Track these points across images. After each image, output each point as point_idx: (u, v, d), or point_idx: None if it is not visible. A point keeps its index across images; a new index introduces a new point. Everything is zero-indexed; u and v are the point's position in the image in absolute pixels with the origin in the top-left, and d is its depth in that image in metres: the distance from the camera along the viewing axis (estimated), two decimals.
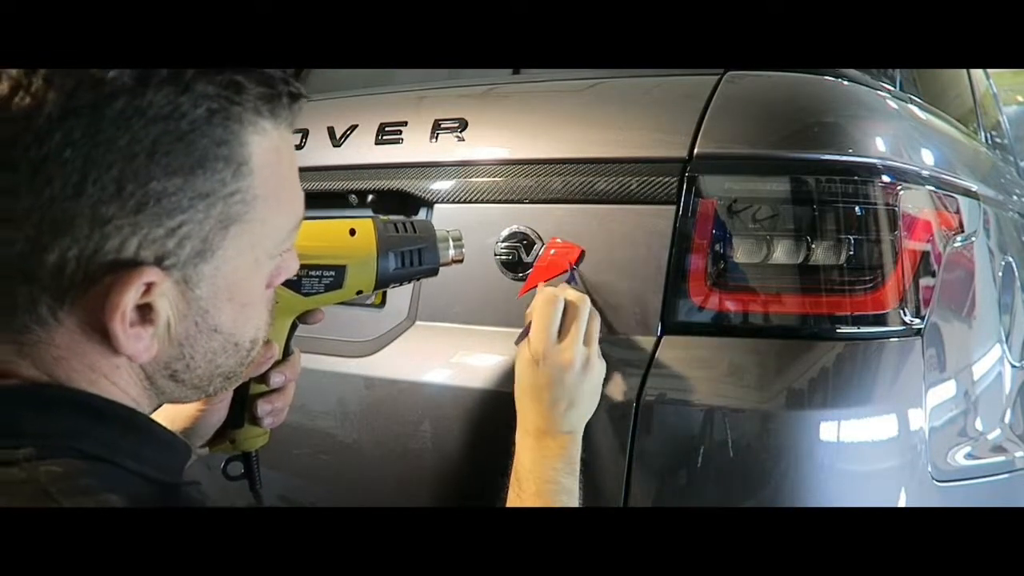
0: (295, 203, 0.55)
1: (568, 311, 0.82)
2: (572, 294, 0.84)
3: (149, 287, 0.46)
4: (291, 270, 0.60)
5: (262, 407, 0.77)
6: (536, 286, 0.89)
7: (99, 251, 0.44)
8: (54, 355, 0.47)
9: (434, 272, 0.84)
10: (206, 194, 0.46)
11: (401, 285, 0.84)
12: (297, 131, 1.15)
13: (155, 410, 0.56)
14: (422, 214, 1.05)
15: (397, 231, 0.81)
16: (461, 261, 0.86)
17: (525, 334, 0.83)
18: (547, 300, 0.82)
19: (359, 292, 0.79)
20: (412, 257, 0.81)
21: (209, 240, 0.48)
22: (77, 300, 0.46)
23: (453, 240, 0.84)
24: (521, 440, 0.80)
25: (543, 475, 0.77)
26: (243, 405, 0.78)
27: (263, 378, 0.78)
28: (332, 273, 0.78)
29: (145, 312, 0.47)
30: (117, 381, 0.50)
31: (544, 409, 0.79)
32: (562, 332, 0.81)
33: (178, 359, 0.52)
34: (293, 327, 0.79)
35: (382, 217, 0.82)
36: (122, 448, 0.49)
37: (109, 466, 0.47)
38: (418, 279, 0.85)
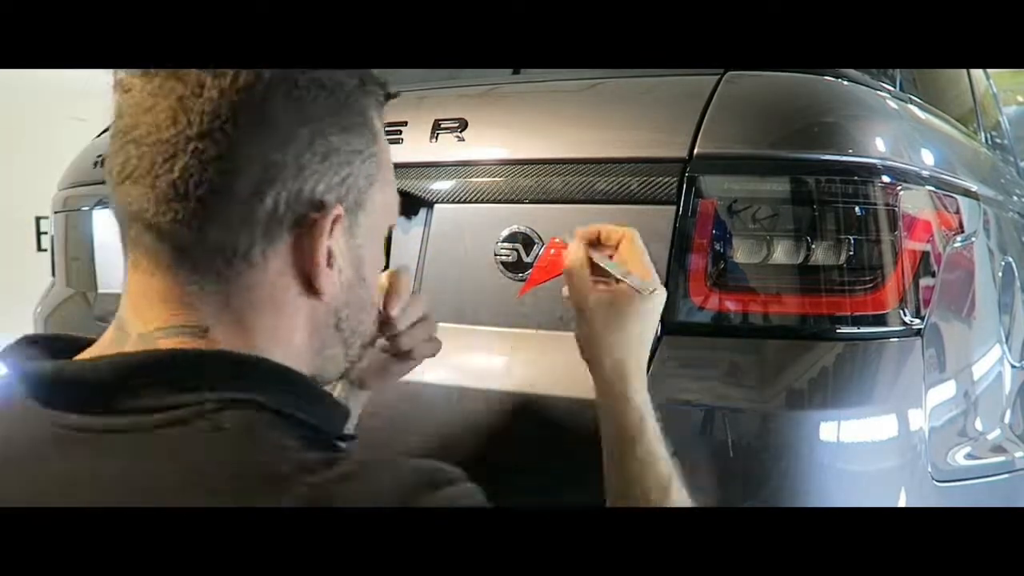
0: (395, 189, 0.63)
1: None
2: None
3: (335, 225, 0.54)
4: (373, 270, 0.63)
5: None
6: (535, 286, 0.89)
7: (300, 193, 0.53)
8: (251, 299, 0.53)
9: None
10: (359, 151, 0.56)
11: None
12: None
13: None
14: (422, 214, 1.05)
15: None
16: None
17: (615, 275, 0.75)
18: (636, 235, 0.77)
19: None
20: None
21: (362, 192, 0.57)
22: (284, 240, 0.53)
23: None
24: (628, 397, 0.70)
25: (655, 431, 0.70)
26: None
27: None
28: None
29: (328, 256, 0.55)
30: (294, 330, 0.56)
31: (643, 347, 0.73)
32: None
33: (344, 306, 0.58)
34: None
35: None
36: (297, 406, 0.52)
37: (284, 418, 0.51)
38: None
